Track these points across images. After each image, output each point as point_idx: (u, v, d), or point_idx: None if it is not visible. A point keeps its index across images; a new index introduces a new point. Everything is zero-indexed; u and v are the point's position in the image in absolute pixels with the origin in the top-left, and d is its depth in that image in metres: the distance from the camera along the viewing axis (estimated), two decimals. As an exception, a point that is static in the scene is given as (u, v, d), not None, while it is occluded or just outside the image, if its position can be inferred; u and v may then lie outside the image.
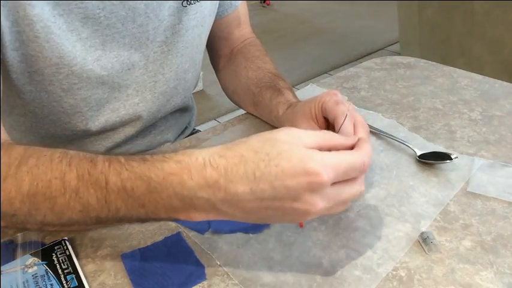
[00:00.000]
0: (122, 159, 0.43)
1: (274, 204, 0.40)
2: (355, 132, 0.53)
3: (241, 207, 0.40)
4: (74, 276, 0.46)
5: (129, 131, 0.70)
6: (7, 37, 0.53)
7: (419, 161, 0.64)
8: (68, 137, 0.67)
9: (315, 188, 0.39)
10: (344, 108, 0.54)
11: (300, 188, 0.39)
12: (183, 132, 0.85)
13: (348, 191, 0.42)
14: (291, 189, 0.39)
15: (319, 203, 0.40)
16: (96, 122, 0.65)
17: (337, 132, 0.52)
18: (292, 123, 0.61)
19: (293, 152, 0.40)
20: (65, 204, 0.43)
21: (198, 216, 0.42)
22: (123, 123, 0.68)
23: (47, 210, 0.44)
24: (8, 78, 0.58)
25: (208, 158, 0.41)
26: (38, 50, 0.54)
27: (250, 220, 0.43)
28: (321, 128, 0.58)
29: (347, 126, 0.52)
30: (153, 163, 0.42)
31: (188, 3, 0.65)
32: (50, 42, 0.54)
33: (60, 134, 0.66)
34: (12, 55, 0.54)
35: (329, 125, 0.59)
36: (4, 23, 0.51)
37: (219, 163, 0.40)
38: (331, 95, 0.57)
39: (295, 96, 0.69)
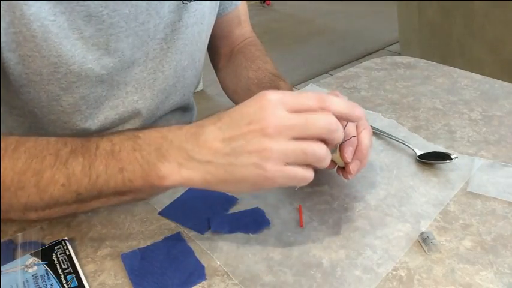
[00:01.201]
0: (115, 131, 0.49)
1: (236, 133, 0.42)
2: (357, 134, 0.53)
3: (207, 148, 0.43)
4: (74, 276, 0.46)
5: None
6: (3, 38, 0.52)
7: (419, 161, 0.64)
8: (67, 135, 0.67)
9: (264, 105, 0.42)
10: None
11: (252, 109, 0.43)
12: (183, 132, 0.85)
13: (308, 122, 0.42)
14: (246, 113, 0.43)
15: (272, 121, 0.41)
16: (96, 120, 0.65)
17: None
18: None
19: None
20: (49, 178, 0.46)
21: (171, 173, 0.44)
22: (122, 121, 0.68)
23: (32, 188, 0.46)
24: (6, 79, 0.58)
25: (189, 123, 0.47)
26: (35, 49, 0.54)
27: (220, 173, 0.43)
28: None
29: (349, 128, 0.52)
30: (143, 128, 0.48)
31: (188, 0, 0.65)
32: (47, 41, 0.54)
33: (60, 133, 0.66)
34: (8, 56, 0.54)
35: None
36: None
37: (196, 122, 0.46)
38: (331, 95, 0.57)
39: (295, 96, 0.69)
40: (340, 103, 0.45)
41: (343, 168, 0.54)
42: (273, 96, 0.43)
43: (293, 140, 0.42)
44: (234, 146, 0.42)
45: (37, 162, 0.46)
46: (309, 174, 0.44)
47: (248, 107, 0.43)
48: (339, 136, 0.44)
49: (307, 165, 0.44)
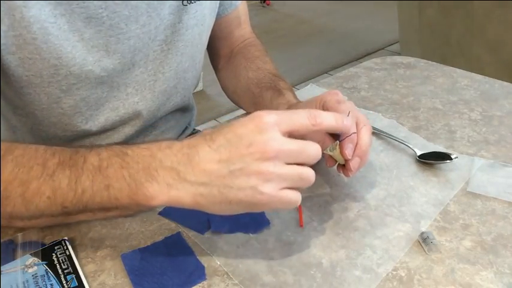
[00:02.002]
0: (104, 146, 0.47)
1: (233, 156, 0.42)
2: (357, 131, 0.53)
3: (201, 169, 0.43)
4: (74, 276, 0.46)
5: (129, 130, 0.70)
6: (3, 41, 0.52)
7: (419, 161, 0.64)
8: (69, 137, 0.67)
9: (261, 127, 0.42)
10: (346, 107, 0.54)
11: (250, 131, 0.42)
12: (183, 132, 0.85)
13: (302, 155, 0.44)
14: (243, 135, 0.42)
15: (272, 144, 0.42)
16: (96, 122, 0.65)
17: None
18: None
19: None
20: (36, 189, 0.45)
21: (159, 194, 0.43)
22: (123, 122, 0.68)
23: (18, 198, 0.46)
24: (8, 80, 0.58)
25: (180, 140, 0.46)
26: (35, 52, 0.54)
27: (213, 194, 0.43)
28: None
29: (349, 125, 0.52)
30: (132, 144, 0.47)
31: (188, 2, 0.65)
32: (47, 43, 0.54)
33: (61, 135, 0.66)
34: (8, 59, 0.54)
35: None
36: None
37: (185, 141, 0.45)
38: (332, 94, 0.57)
39: (295, 96, 0.69)
40: (330, 118, 0.46)
41: (343, 166, 0.54)
42: (269, 118, 0.42)
43: (287, 164, 0.43)
44: (232, 169, 0.42)
45: (24, 172, 0.46)
46: (299, 198, 0.45)
47: (244, 128, 0.43)
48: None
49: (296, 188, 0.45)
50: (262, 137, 0.42)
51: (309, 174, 0.44)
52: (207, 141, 0.43)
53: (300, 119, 0.44)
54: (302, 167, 0.44)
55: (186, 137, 0.83)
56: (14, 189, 0.46)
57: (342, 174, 0.56)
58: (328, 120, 0.46)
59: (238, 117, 0.77)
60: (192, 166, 0.43)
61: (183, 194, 0.43)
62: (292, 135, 0.44)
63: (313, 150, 0.44)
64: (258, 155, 0.41)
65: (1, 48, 0.53)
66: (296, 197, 0.44)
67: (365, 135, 0.53)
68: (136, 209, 0.47)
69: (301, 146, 0.43)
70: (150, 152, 0.45)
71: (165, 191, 0.43)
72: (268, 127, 0.42)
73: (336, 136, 0.54)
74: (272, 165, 0.42)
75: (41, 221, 0.49)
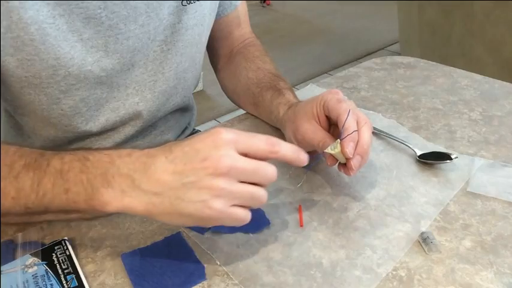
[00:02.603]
0: (70, 149, 0.49)
1: (187, 169, 0.42)
2: (358, 129, 0.53)
3: (156, 179, 0.43)
4: (74, 276, 0.46)
5: (129, 130, 0.70)
6: (2, 43, 0.52)
7: (419, 161, 0.64)
8: (69, 138, 0.67)
9: (218, 143, 0.42)
10: (346, 106, 0.54)
11: (206, 146, 0.42)
12: (183, 132, 0.85)
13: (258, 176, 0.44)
14: (200, 149, 0.42)
15: (225, 161, 0.42)
16: (97, 123, 0.65)
17: (341, 129, 0.53)
18: (294, 124, 0.61)
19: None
20: (2, 189, 0.47)
21: (113, 200, 0.44)
22: (123, 123, 0.68)
23: None
24: (7, 81, 0.58)
25: (140, 149, 0.46)
26: (33, 53, 0.54)
27: (164, 205, 0.43)
28: (323, 127, 0.58)
29: (350, 123, 0.53)
30: (94, 149, 0.48)
31: (188, 2, 0.65)
32: (45, 44, 0.54)
33: (62, 136, 0.66)
34: (7, 60, 0.54)
35: (331, 124, 0.59)
36: None
37: (145, 150, 0.46)
38: (332, 93, 0.57)
39: (295, 96, 0.69)
40: (288, 149, 0.46)
41: (344, 165, 0.54)
42: (227, 136, 0.43)
43: (240, 182, 0.43)
44: (184, 181, 0.42)
45: None
46: (249, 216, 0.45)
47: (202, 142, 0.43)
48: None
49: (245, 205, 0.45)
50: (217, 153, 0.42)
51: (261, 194, 0.44)
52: (165, 152, 0.44)
53: (259, 143, 0.44)
54: (255, 186, 0.44)
55: (186, 137, 0.83)
56: None
57: (343, 174, 0.56)
58: (285, 150, 0.45)
59: (239, 117, 0.77)
60: (147, 175, 0.43)
61: (136, 202, 0.43)
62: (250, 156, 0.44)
63: (268, 171, 0.44)
64: (211, 170, 0.42)
65: (0, 50, 0.53)
66: (245, 215, 0.44)
67: (366, 134, 0.53)
68: (94, 214, 0.48)
69: (256, 166, 0.43)
70: (109, 159, 0.45)
71: (119, 197, 0.44)
72: (225, 144, 0.42)
73: (337, 135, 0.54)
74: (224, 182, 0.42)
75: (9, 219, 0.50)
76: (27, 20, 0.51)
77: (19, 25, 0.52)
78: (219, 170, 0.42)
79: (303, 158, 0.47)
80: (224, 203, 0.42)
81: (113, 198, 0.44)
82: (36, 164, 0.47)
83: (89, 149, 0.49)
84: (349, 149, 0.52)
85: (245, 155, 0.44)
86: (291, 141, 0.63)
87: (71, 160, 0.46)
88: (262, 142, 0.44)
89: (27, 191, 0.47)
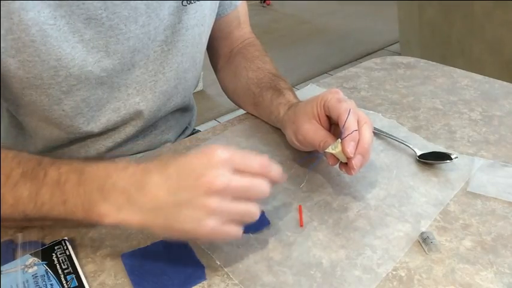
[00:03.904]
0: (66, 160, 0.49)
1: (182, 186, 0.42)
2: (359, 128, 0.53)
3: (151, 195, 0.43)
4: (74, 276, 0.46)
5: (129, 130, 0.70)
6: (2, 44, 0.52)
7: (419, 161, 0.64)
8: (70, 138, 0.67)
9: (212, 162, 0.43)
10: (347, 105, 0.54)
11: (202, 164, 0.43)
12: (183, 132, 0.85)
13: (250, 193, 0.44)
14: (195, 167, 0.43)
15: (220, 179, 0.42)
16: (98, 123, 0.65)
17: (342, 128, 0.53)
18: (294, 124, 0.61)
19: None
20: (1, 196, 0.47)
21: (110, 214, 0.44)
22: (124, 123, 0.68)
23: None
24: (9, 82, 0.58)
25: (137, 163, 0.46)
26: (35, 54, 0.54)
27: (159, 221, 0.43)
28: (323, 126, 0.58)
29: (351, 122, 0.53)
30: (90, 161, 0.48)
31: (188, 2, 0.65)
32: (46, 45, 0.54)
33: (64, 137, 0.66)
34: (8, 62, 0.54)
35: (331, 123, 0.59)
36: None
37: (141, 164, 0.46)
38: (333, 93, 0.57)
39: (295, 96, 0.69)
40: (279, 172, 0.47)
41: (345, 164, 0.54)
42: (222, 154, 0.43)
43: (234, 200, 0.43)
44: (178, 198, 0.42)
45: None
46: (240, 232, 0.45)
47: (197, 160, 0.43)
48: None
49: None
50: (211, 172, 0.42)
51: (253, 211, 0.45)
52: (161, 168, 0.44)
53: (253, 163, 0.45)
54: (248, 203, 0.44)
55: (186, 137, 0.83)
56: None
57: (344, 173, 0.56)
58: (276, 173, 0.46)
59: (239, 117, 0.77)
60: (143, 191, 0.43)
61: (131, 217, 0.44)
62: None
63: (261, 187, 0.44)
64: (206, 189, 0.42)
65: (1, 51, 0.53)
66: (237, 231, 0.45)
67: (366, 133, 0.53)
68: (92, 224, 0.48)
69: (250, 183, 0.44)
70: (106, 172, 0.46)
71: (115, 212, 0.44)
72: (220, 162, 0.43)
73: (337, 134, 0.54)
74: (218, 200, 0.42)
75: (8, 224, 0.51)
76: (28, 22, 0.52)
77: (20, 27, 0.52)
78: (214, 188, 0.42)
79: (285, 179, 0.48)
80: (217, 221, 0.43)
81: (110, 212, 0.44)
82: (33, 174, 0.48)
83: (86, 159, 0.49)
84: (350, 149, 0.52)
85: (239, 172, 0.44)
86: (291, 142, 0.63)
87: (67, 171, 0.47)
88: (256, 163, 0.45)
89: (26, 200, 0.47)
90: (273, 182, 0.46)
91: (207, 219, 0.42)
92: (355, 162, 0.52)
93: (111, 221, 0.45)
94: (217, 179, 0.42)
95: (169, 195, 0.43)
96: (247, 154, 0.45)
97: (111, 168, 0.46)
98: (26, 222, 0.51)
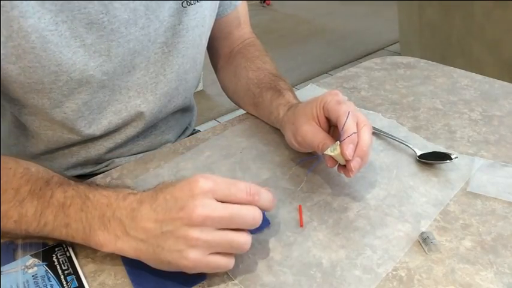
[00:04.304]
0: (72, 182, 0.50)
1: (166, 218, 0.43)
2: (358, 131, 0.53)
3: (141, 226, 0.44)
4: (74, 277, 0.46)
5: (130, 131, 0.70)
6: (2, 51, 0.52)
7: (419, 161, 0.64)
8: (72, 140, 0.67)
9: (194, 192, 0.42)
10: (346, 107, 0.54)
11: (184, 195, 0.43)
12: (183, 132, 0.85)
13: (232, 233, 0.43)
14: (178, 199, 0.43)
15: (199, 211, 0.42)
16: (100, 126, 0.65)
17: (341, 131, 0.53)
18: (293, 125, 0.60)
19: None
20: (5, 212, 0.48)
21: (108, 243, 0.45)
22: (125, 124, 0.69)
23: None
24: (10, 87, 0.58)
25: (137, 192, 0.47)
26: (35, 60, 0.54)
27: (149, 252, 0.44)
28: (323, 128, 0.58)
29: (350, 125, 0.53)
30: (95, 187, 0.49)
31: (188, 3, 0.65)
32: (46, 51, 0.54)
33: (66, 138, 0.66)
34: (9, 68, 0.54)
35: (330, 125, 0.59)
36: None
37: (139, 194, 0.47)
38: (332, 95, 0.57)
39: (295, 97, 0.69)
40: (269, 199, 0.46)
41: (344, 166, 0.54)
42: (204, 184, 0.43)
43: (218, 230, 0.43)
44: (164, 230, 0.43)
45: None
46: (231, 262, 0.45)
47: (180, 191, 0.43)
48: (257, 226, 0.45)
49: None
50: (192, 203, 0.42)
51: (241, 241, 0.44)
52: (151, 199, 0.44)
53: (238, 192, 0.44)
54: (235, 232, 0.44)
55: (186, 137, 0.83)
56: None
57: (343, 175, 0.56)
58: (263, 199, 0.45)
59: (239, 117, 0.77)
60: (135, 222, 0.44)
61: (126, 247, 0.45)
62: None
63: (248, 216, 0.44)
64: (186, 220, 0.42)
65: (1, 58, 0.53)
66: (226, 262, 0.44)
67: (365, 135, 0.53)
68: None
69: (233, 213, 0.43)
70: (107, 201, 0.46)
71: (113, 241, 0.45)
72: (201, 193, 0.42)
73: (337, 136, 0.54)
74: (198, 231, 0.42)
75: (7, 237, 0.51)
76: (27, 29, 0.52)
77: (20, 34, 0.52)
78: (193, 220, 0.42)
79: (274, 205, 0.48)
80: (200, 253, 0.42)
81: (108, 241, 0.45)
82: (41, 193, 0.48)
83: (92, 184, 0.50)
84: (349, 151, 0.52)
85: (224, 202, 0.43)
86: (290, 143, 0.63)
87: (73, 196, 0.48)
88: (242, 191, 0.44)
89: (30, 218, 0.48)
90: (263, 209, 0.46)
91: (189, 251, 0.42)
92: (354, 164, 0.52)
93: (109, 250, 0.46)
94: (196, 210, 0.42)
95: (155, 227, 0.43)
96: (233, 182, 0.44)
97: (112, 198, 0.47)
98: (27, 239, 0.51)
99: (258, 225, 0.45)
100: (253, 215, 0.44)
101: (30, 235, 0.49)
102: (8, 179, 0.49)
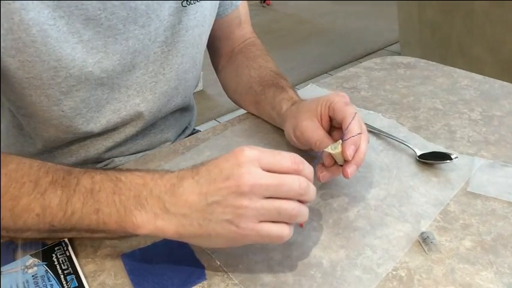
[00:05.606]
0: (99, 168, 0.48)
1: (211, 189, 0.42)
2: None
3: (183, 201, 0.43)
4: (74, 276, 0.46)
5: (129, 130, 0.70)
6: (2, 44, 0.52)
7: (419, 161, 0.64)
8: (70, 138, 0.67)
9: (240, 161, 0.42)
10: (352, 110, 0.55)
11: (229, 165, 0.42)
12: (183, 132, 0.85)
13: (285, 190, 0.43)
14: (223, 169, 0.42)
15: (247, 178, 0.41)
16: (98, 124, 0.65)
17: (345, 130, 0.53)
18: (295, 119, 0.61)
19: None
20: (25, 205, 0.46)
21: (146, 223, 0.44)
22: (124, 123, 0.68)
23: (7, 213, 0.46)
24: (9, 82, 0.58)
25: (173, 171, 0.46)
26: (35, 54, 0.54)
27: (194, 228, 0.43)
28: (324, 127, 0.58)
29: (355, 126, 0.53)
30: (127, 170, 0.47)
31: (188, 3, 0.65)
32: (47, 45, 0.54)
33: (63, 136, 0.66)
34: (8, 62, 0.54)
35: (331, 126, 0.59)
36: None
37: (177, 171, 0.46)
38: (340, 96, 0.58)
39: (297, 94, 0.70)
40: (311, 170, 0.45)
41: (339, 167, 0.54)
42: (250, 153, 0.42)
43: (266, 198, 0.42)
44: (209, 201, 0.42)
45: (15, 187, 0.46)
46: (286, 232, 0.44)
47: (225, 161, 0.43)
48: (309, 198, 0.45)
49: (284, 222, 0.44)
50: (239, 171, 0.41)
51: (288, 208, 0.43)
52: (193, 172, 0.44)
53: (283, 160, 0.44)
54: (282, 200, 0.43)
55: (186, 137, 0.83)
56: (4, 203, 0.46)
57: (341, 175, 0.56)
58: (308, 171, 0.45)
59: (239, 117, 0.77)
60: (176, 197, 0.43)
61: (167, 225, 0.43)
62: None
63: (294, 184, 0.43)
64: (234, 189, 0.41)
65: (1, 51, 0.53)
66: (279, 230, 0.43)
67: (363, 143, 0.54)
68: (122, 234, 0.47)
69: (281, 181, 0.42)
70: (143, 181, 0.45)
71: (152, 220, 0.44)
72: (247, 161, 0.42)
73: (335, 138, 0.54)
74: (247, 200, 0.41)
75: (27, 235, 0.49)
76: (28, 22, 0.51)
77: (20, 27, 0.52)
78: (241, 188, 0.41)
79: (318, 179, 0.46)
80: (250, 221, 0.42)
81: (146, 221, 0.44)
82: (64, 182, 0.46)
83: (120, 169, 0.48)
84: (350, 151, 0.52)
85: (270, 171, 0.43)
86: (289, 137, 0.63)
87: (102, 180, 0.46)
88: (287, 160, 0.44)
89: (54, 209, 0.46)
90: (308, 178, 0.45)
91: (238, 220, 0.41)
92: (351, 170, 0.52)
93: (146, 231, 0.44)
94: (244, 178, 0.41)
95: (200, 199, 0.42)
96: (277, 152, 0.44)
97: (147, 177, 0.45)
98: (47, 234, 0.49)
99: (304, 194, 0.44)
100: (299, 183, 0.43)
101: (54, 228, 0.47)
102: (25, 171, 0.47)
